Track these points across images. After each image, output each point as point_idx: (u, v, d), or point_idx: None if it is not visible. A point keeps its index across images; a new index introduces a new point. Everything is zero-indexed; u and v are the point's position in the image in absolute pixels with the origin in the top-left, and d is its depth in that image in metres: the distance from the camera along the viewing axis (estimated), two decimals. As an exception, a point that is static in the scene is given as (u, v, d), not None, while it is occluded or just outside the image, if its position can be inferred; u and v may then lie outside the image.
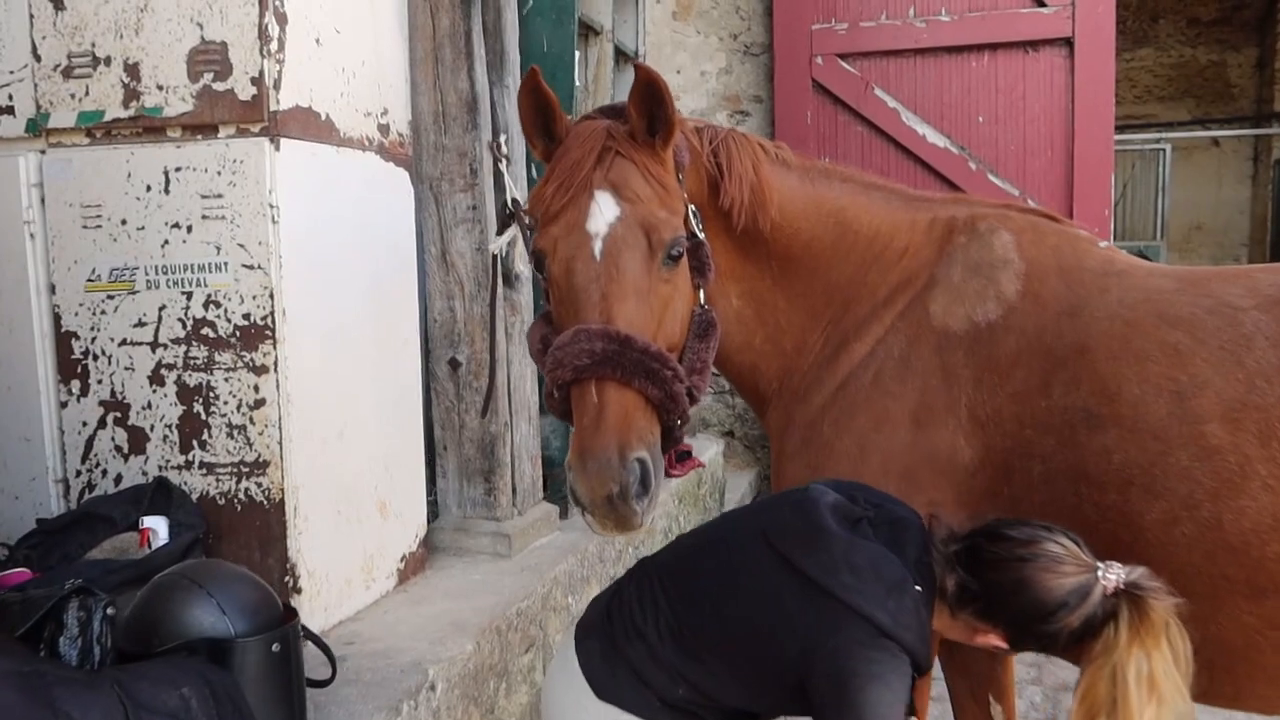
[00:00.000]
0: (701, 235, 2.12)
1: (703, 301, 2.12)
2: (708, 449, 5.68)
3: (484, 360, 3.41)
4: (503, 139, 3.40)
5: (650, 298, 1.95)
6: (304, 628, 2.20)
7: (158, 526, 2.53)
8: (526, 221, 2.21)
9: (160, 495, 2.61)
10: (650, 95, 1.98)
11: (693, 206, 2.13)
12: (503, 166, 3.35)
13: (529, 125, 2.11)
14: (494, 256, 3.12)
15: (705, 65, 7.22)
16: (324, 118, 2.77)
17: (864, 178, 2.44)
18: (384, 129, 3.07)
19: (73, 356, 2.77)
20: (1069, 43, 6.32)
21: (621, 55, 5.38)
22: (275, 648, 1.90)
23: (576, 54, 4.01)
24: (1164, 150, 12.44)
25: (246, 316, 2.60)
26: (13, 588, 2.16)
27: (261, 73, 2.54)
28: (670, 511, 4.80)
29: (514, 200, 3.08)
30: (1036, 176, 6.46)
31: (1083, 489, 1.96)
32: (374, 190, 3.04)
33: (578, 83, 4.03)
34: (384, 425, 3.08)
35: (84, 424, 2.78)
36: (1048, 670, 4.12)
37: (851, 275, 2.32)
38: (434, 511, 3.69)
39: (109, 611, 1.79)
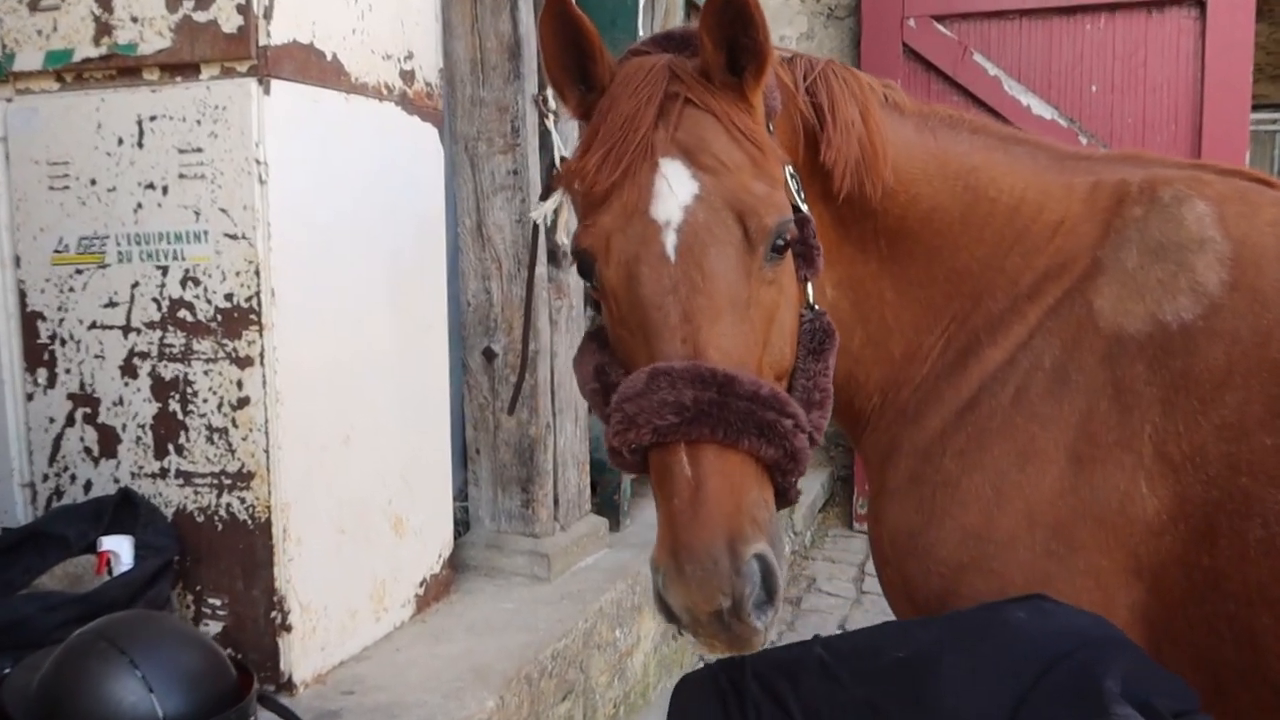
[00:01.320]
0: (805, 209, 1.52)
1: (812, 302, 1.54)
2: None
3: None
4: (550, 91, 2.89)
5: (751, 311, 1.38)
6: (271, 698, 1.74)
7: (120, 548, 2.10)
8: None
9: (125, 510, 2.19)
10: (730, 12, 1.38)
11: (790, 168, 1.53)
12: (550, 123, 2.85)
13: (555, 67, 1.50)
14: (535, 226, 2.53)
15: (784, 29, 6.62)
16: (329, 58, 2.29)
17: (1001, 129, 1.84)
18: (407, 76, 2.59)
19: (39, 341, 2.36)
20: (1200, 2, 5.59)
21: (693, 6, 4.80)
22: (214, 740, 1.44)
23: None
24: (1279, 132, 11.45)
25: (229, 297, 2.15)
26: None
27: (249, -1, 2.07)
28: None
29: (563, 159, 2.51)
30: (1157, 153, 5.75)
31: None
32: (394, 149, 2.56)
33: (641, 33, 3.49)
34: (402, 428, 2.62)
35: (51, 420, 2.37)
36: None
37: (986, 258, 1.73)
38: (468, 523, 3.23)
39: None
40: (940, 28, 5.99)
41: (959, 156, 1.74)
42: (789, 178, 1.51)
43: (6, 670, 1.49)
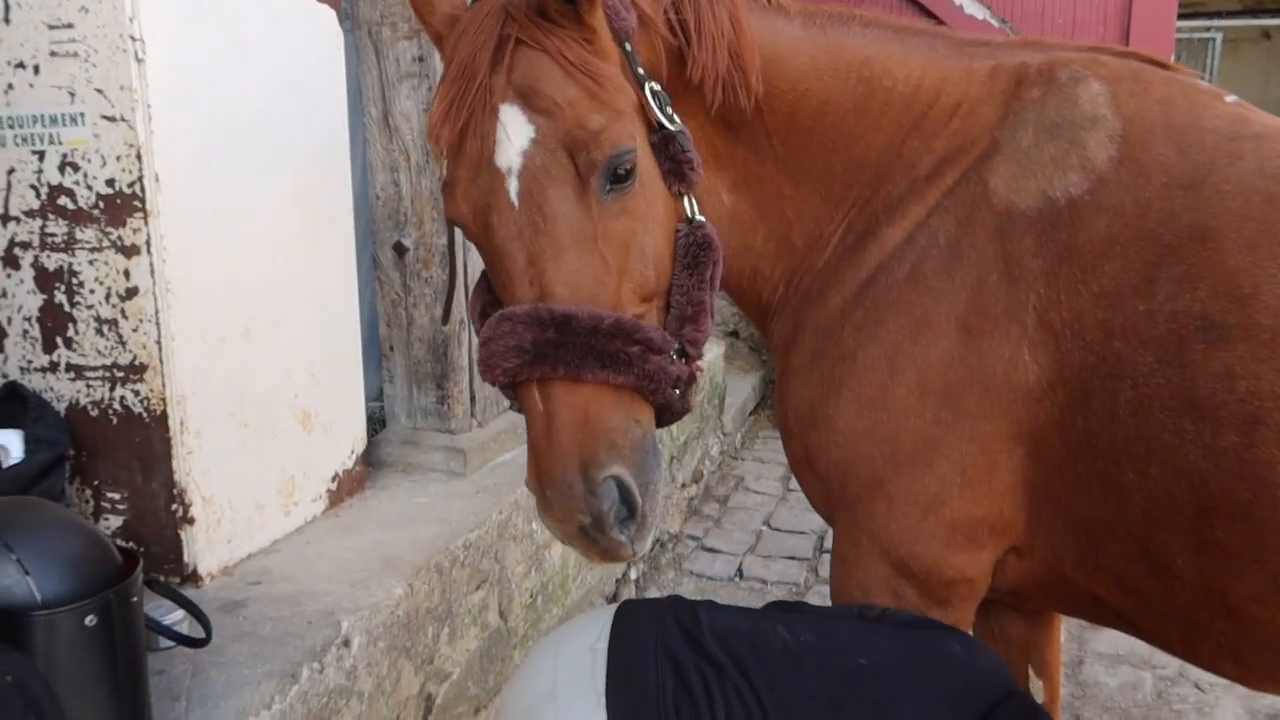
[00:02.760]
0: (672, 125, 1.53)
1: (691, 214, 1.56)
2: (707, 350, 5.15)
3: (434, 246, 2.87)
4: (456, -26, 2.77)
5: (599, 244, 1.42)
6: (161, 583, 1.73)
7: (9, 442, 2.05)
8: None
9: (13, 403, 2.13)
10: None
11: (654, 85, 1.53)
12: (456, 8, 2.74)
13: (416, 5, 1.54)
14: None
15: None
16: (210, -72, 2.16)
17: (896, 21, 1.83)
18: (300, -48, 2.46)
19: (-87, 231, 2.24)
20: (1132, -102, 5.55)
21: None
22: (90, 620, 1.42)
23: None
24: (1214, 40, 11.53)
25: (110, 183, 2.06)
26: None
27: None
28: (661, 421, 4.31)
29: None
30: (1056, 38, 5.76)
31: (1188, 424, 1.44)
32: (288, 32, 2.44)
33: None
34: (307, 323, 2.57)
35: (-68, 314, 2.27)
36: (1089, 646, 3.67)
37: (883, 146, 1.73)
38: (384, 422, 3.20)
39: None
40: (873, -79, 5.88)
41: (851, 50, 1.73)
42: (650, 96, 1.52)
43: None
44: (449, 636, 2.49)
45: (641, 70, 1.52)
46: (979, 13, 5.84)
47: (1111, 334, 1.49)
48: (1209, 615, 1.52)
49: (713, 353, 5.21)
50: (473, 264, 2.94)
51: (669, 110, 1.54)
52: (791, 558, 4.36)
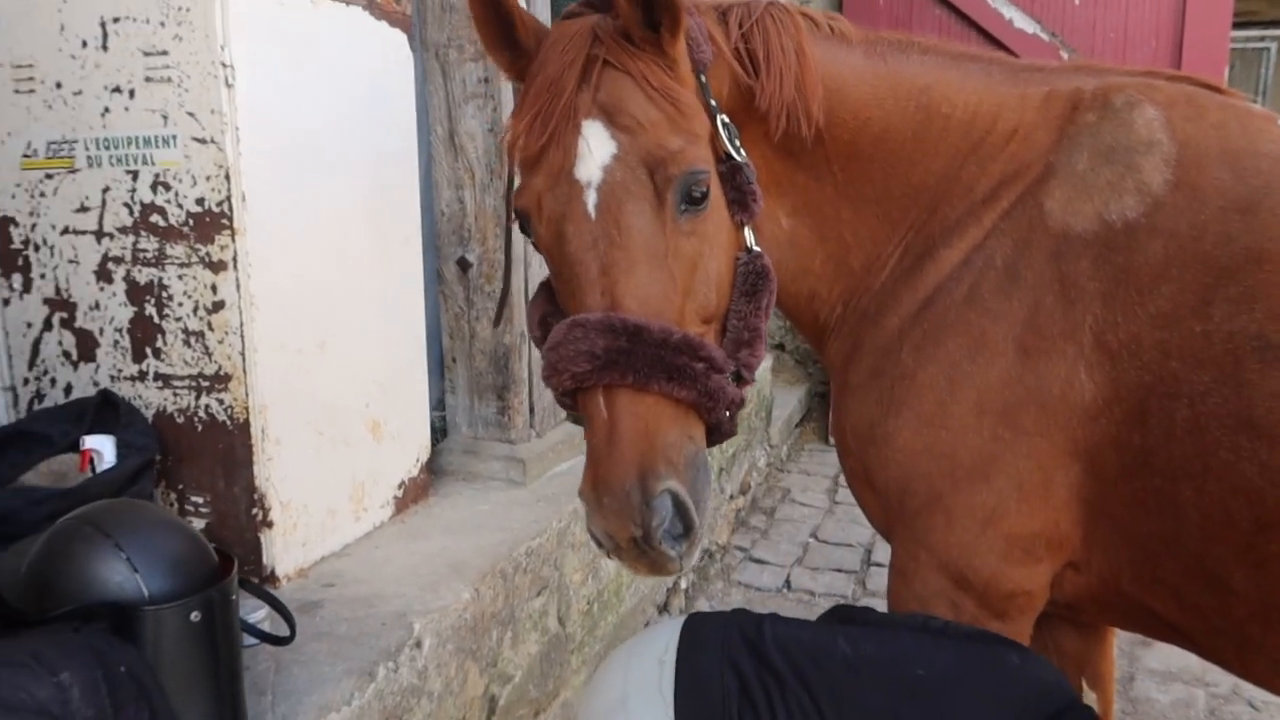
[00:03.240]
0: (740, 156, 1.59)
1: (750, 244, 1.62)
2: (755, 364, 5.19)
3: (496, 261, 2.96)
4: (521, -1, 2.87)
5: (669, 261, 1.47)
6: (253, 582, 1.82)
7: (102, 447, 2.16)
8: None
9: (107, 411, 2.24)
10: None
11: (723, 117, 1.60)
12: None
13: (484, 33, 1.58)
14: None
15: (766, -61, 6.52)
16: (294, -40, 2.27)
17: (953, 48, 1.88)
18: (375, -20, 2.57)
19: (12, 246, 2.37)
20: (1185, -88, 5.52)
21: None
22: (195, 616, 1.51)
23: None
24: (1268, 50, 11.35)
25: (200, 202, 2.17)
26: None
27: (211, -104, 2.05)
28: (711, 433, 4.37)
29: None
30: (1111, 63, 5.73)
31: (1245, 442, 1.47)
32: (363, 56, 2.55)
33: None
34: (378, 335, 2.66)
35: (29, 325, 2.40)
36: (1141, 663, 3.66)
37: (941, 171, 1.78)
38: (446, 430, 3.30)
39: (-27, 571, 1.41)
40: (923, -63, 5.91)
41: (910, 78, 1.79)
42: (721, 127, 1.59)
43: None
44: (511, 640, 2.57)
45: (714, 101, 1.60)
46: (1029, 27, 5.84)
47: (1168, 354, 1.53)
48: (1264, 630, 1.55)
49: (760, 367, 5.25)
50: (533, 276, 3.03)
51: (737, 143, 1.60)
52: (839, 570, 4.39)
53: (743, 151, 1.61)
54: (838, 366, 1.92)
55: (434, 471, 3.04)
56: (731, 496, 4.77)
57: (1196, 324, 1.51)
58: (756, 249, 1.62)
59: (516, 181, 1.57)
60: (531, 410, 3.17)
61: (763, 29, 1.68)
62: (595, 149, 1.45)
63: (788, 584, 4.30)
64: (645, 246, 1.45)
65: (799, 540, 4.76)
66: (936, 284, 1.75)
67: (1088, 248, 1.62)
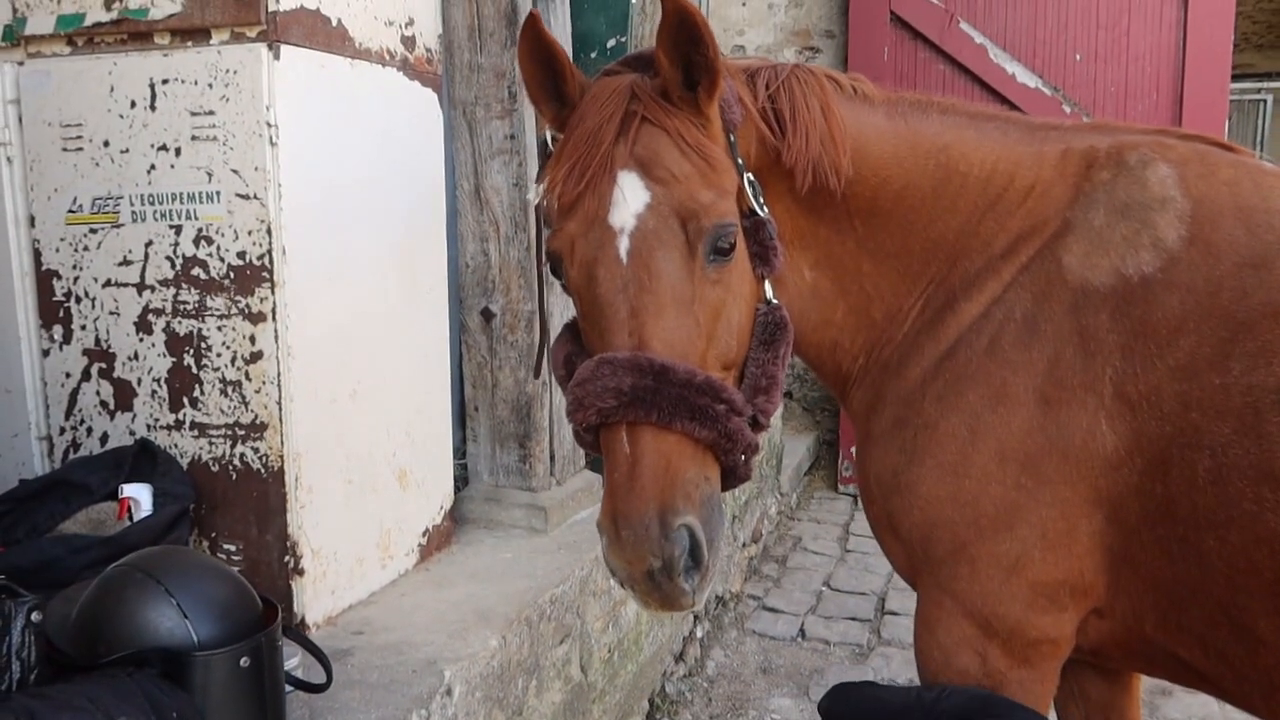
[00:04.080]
0: (763, 212, 1.68)
1: (769, 297, 1.69)
2: (766, 413, 5.23)
3: (520, 312, 3.02)
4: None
5: (695, 307, 1.54)
6: (294, 629, 1.85)
7: (140, 496, 2.20)
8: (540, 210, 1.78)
9: (144, 459, 2.28)
10: (683, 34, 1.52)
11: (749, 175, 1.69)
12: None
13: (532, 84, 1.67)
14: (537, 207, 2.68)
15: (773, -2, 6.67)
16: (335, 24, 2.37)
17: (970, 107, 1.96)
18: (409, 42, 2.66)
19: (54, 298, 2.44)
20: (1183, -29, 5.68)
21: None
22: (244, 662, 1.54)
23: (634, -33, 3.54)
24: (1265, 101, 11.53)
25: (241, 255, 2.24)
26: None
27: (259, -35, 2.14)
28: (725, 480, 4.40)
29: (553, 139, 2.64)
30: (1138, 122, 5.84)
31: (1267, 493, 1.51)
32: (396, 113, 2.64)
33: (634, 1, 3.57)
34: (406, 384, 2.72)
35: (67, 375, 2.46)
36: (1161, 712, 3.66)
37: (960, 226, 1.85)
38: (465, 479, 3.34)
39: (34, 618, 1.45)
40: (927, -4, 6.06)
41: (930, 137, 1.86)
42: (747, 185, 1.66)
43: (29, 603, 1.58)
44: (536, 689, 2.59)
45: (740, 159, 1.67)
46: (1031, 81, 5.97)
47: (1189, 406, 1.57)
48: None
49: (775, 412, 5.30)
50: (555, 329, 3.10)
51: (761, 200, 1.68)
52: (853, 619, 4.39)
53: (766, 208, 1.69)
54: (861, 416, 1.96)
55: (456, 519, 3.07)
56: (744, 544, 4.79)
57: (1215, 377, 1.56)
58: (775, 301, 1.69)
59: (547, 233, 1.64)
60: (552, 458, 3.21)
61: (789, 90, 1.76)
62: (630, 198, 1.53)
63: (802, 633, 4.30)
64: (673, 292, 1.52)
65: (812, 589, 4.77)
66: (957, 335, 1.80)
67: (1106, 301, 1.68)
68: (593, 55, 3.54)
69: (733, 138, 1.67)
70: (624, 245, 1.52)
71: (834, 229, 1.86)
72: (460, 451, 3.36)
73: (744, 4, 6.61)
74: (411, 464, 2.75)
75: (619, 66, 1.71)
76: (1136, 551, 1.65)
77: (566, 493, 3.24)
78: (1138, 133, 1.88)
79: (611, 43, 3.56)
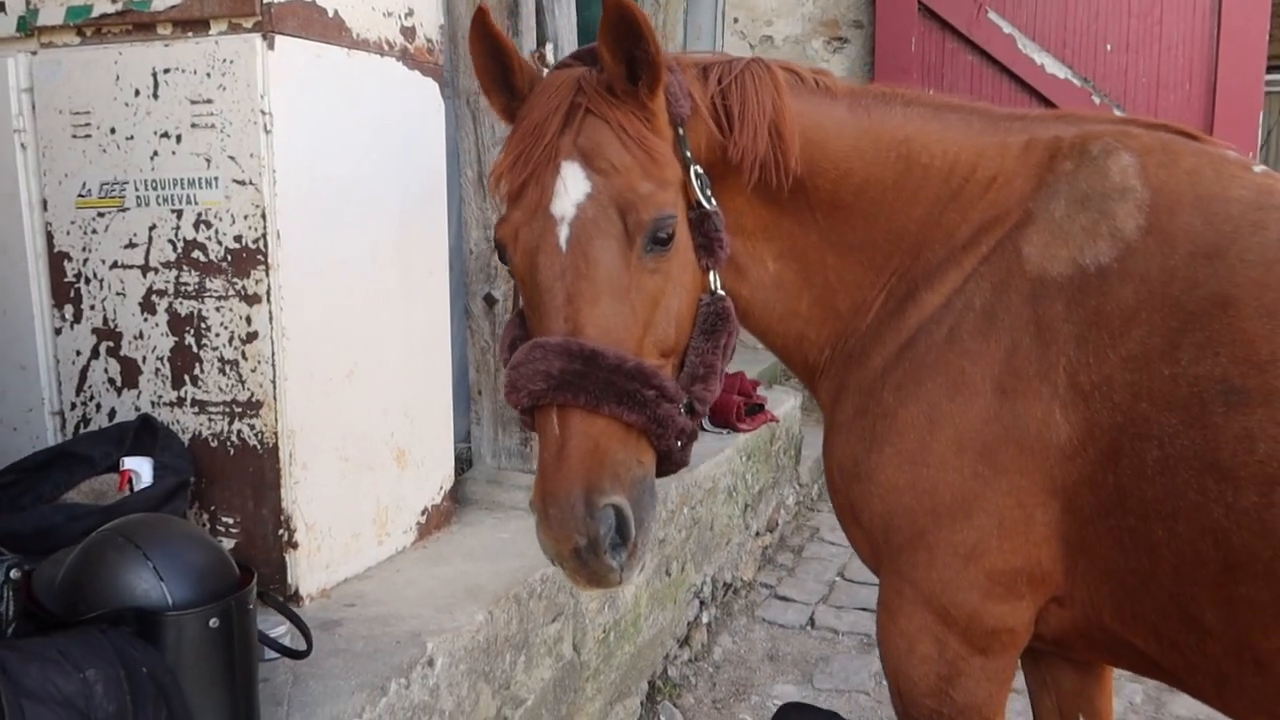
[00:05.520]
0: (710, 205, 1.71)
1: (714, 287, 1.73)
2: (784, 402, 5.27)
3: (521, 298, 3.07)
4: (549, 48, 3.02)
5: (632, 295, 1.58)
6: (272, 596, 1.93)
7: (140, 468, 2.30)
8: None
9: (145, 434, 2.38)
10: (624, 30, 1.55)
11: (698, 169, 1.73)
12: (547, 79, 2.98)
13: (481, 75, 1.73)
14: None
15: (801, -12, 6.66)
16: (331, 14, 2.43)
17: (934, 99, 1.96)
18: (408, 32, 2.73)
19: (65, 279, 2.54)
20: (1217, -42, 5.57)
21: None
22: (214, 623, 1.62)
23: (642, -41, 3.57)
24: (1310, 93, 11.22)
25: (238, 239, 2.32)
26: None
27: (254, -42, 2.22)
28: (737, 469, 4.44)
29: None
30: (1170, 113, 5.74)
31: (1211, 484, 1.52)
32: (396, 103, 2.71)
33: None
34: (404, 367, 2.79)
35: (77, 353, 2.56)
36: (1167, 709, 3.63)
37: (922, 218, 1.86)
38: (470, 461, 3.41)
39: (12, 575, 1.53)
40: (954, -14, 6.01)
41: (892, 129, 1.87)
42: (694, 177, 1.70)
43: (29, 569, 1.67)
44: (525, 664, 2.65)
45: (689, 153, 1.71)
46: (1061, 73, 5.90)
47: (1139, 396, 1.58)
48: (1239, 669, 1.57)
49: (789, 404, 5.32)
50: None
51: (708, 192, 1.72)
52: (864, 609, 4.40)
53: (713, 201, 1.72)
54: (827, 406, 1.99)
55: (459, 500, 3.14)
56: (758, 533, 4.81)
57: (1165, 367, 1.56)
58: (720, 292, 1.73)
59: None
60: (553, 442, 3.27)
61: (740, 85, 1.78)
62: (571, 188, 1.57)
63: (811, 622, 4.32)
64: (609, 280, 1.56)
65: (825, 579, 4.78)
66: (918, 325, 1.82)
67: (1062, 291, 1.69)
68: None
69: (681, 131, 1.71)
70: (564, 234, 1.56)
71: (797, 221, 1.89)
72: (466, 435, 3.43)
73: (772, -6, 6.60)
74: (410, 444, 2.82)
75: (571, 60, 1.76)
76: (1091, 541, 1.66)
77: (567, 476, 3.29)
78: (1103, 122, 1.88)
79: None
